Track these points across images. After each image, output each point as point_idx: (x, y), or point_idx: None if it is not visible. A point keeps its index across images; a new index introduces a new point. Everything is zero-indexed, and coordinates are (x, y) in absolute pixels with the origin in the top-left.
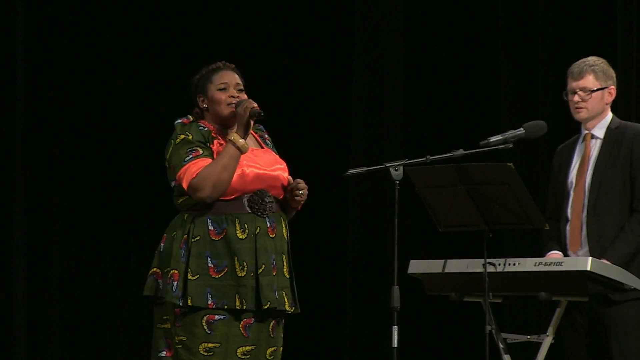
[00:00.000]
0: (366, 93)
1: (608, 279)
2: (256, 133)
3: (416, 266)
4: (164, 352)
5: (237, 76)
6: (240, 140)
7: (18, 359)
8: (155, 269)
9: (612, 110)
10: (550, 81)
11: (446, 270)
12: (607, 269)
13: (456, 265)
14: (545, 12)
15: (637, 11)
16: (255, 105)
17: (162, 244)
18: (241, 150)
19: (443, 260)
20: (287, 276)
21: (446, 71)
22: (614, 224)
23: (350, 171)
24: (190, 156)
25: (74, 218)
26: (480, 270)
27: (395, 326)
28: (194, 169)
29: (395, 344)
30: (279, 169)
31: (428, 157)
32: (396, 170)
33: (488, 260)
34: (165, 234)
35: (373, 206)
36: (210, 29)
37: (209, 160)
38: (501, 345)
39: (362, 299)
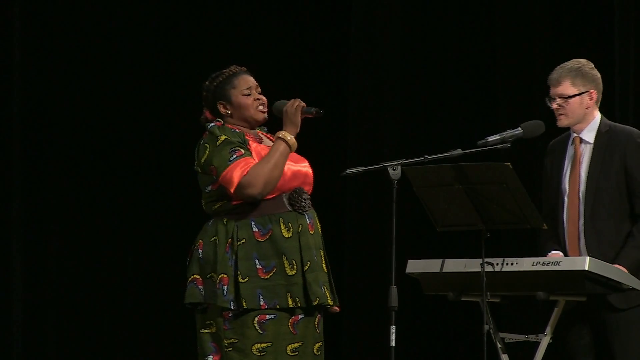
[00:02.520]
0: (364, 92)
1: (606, 279)
2: (267, 133)
3: (414, 266)
4: (211, 357)
5: (253, 78)
6: (290, 138)
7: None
8: (195, 276)
9: (610, 112)
10: (547, 80)
11: (444, 270)
12: (605, 268)
13: (454, 265)
14: (543, 11)
15: (635, 11)
16: (304, 103)
17: (200, 250)
18: (291, 148)
19: (441, 260)
20: (325, 271)
21: (444, 70)
22: (613, 231)
23: (348, 171)
24: (235, 155)
25: (72, 217)
26: (478, 269)
27: (393, 326)
28: (243, 167)
29: (393, 343)
30: (306, 166)
31: (426, 156)
32: (394, 169)
33: (486, 259)
34: (200, 240)
35: (371, 206)
36: (208, 29)
37: (253, 159)
38: (499, 345)
39: (360, 299)
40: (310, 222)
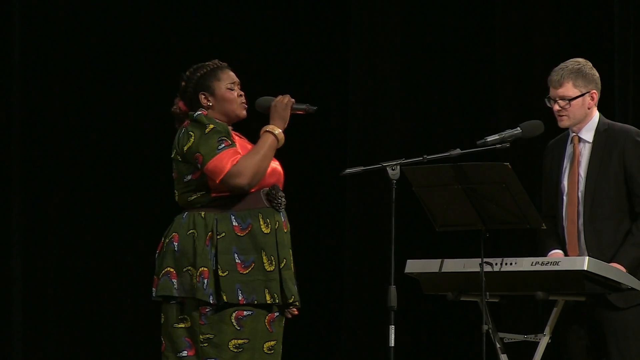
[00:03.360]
0: (363, 92)
1: (605, 279)
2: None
3: (413, 266)
4: (185, 352)
5: (235, 75)
6: (279, 132)
7: (15, 359)
8: (169, 269)
9: (610, 111)
10: (546, 80)
11: (443, 270)
12: (604, 268)
13: (453, 265)
14: (542, 11)
15: (635, 11)
16: (293, 100)
17: (175, 243)
18: (279, 142)
19: (440, 260)
20: (293, 271)
21: (443, 70)
22: (612, 231)
23: (348, 170)
24: (223, 145)
25: (71, 217)
26: (477, 269)
27: (392, 325)
28: (233, 156)
29: (392, 343)
30: (279, 166)
31: (425, 156)
32: (393, 169)
33: (485, 259)
34: (175, 233)
35: (370, 205)
36: (208, 28)
37: (239, 151)
38: (498, 345)
39: (359, 299)
40: (285, 220)
